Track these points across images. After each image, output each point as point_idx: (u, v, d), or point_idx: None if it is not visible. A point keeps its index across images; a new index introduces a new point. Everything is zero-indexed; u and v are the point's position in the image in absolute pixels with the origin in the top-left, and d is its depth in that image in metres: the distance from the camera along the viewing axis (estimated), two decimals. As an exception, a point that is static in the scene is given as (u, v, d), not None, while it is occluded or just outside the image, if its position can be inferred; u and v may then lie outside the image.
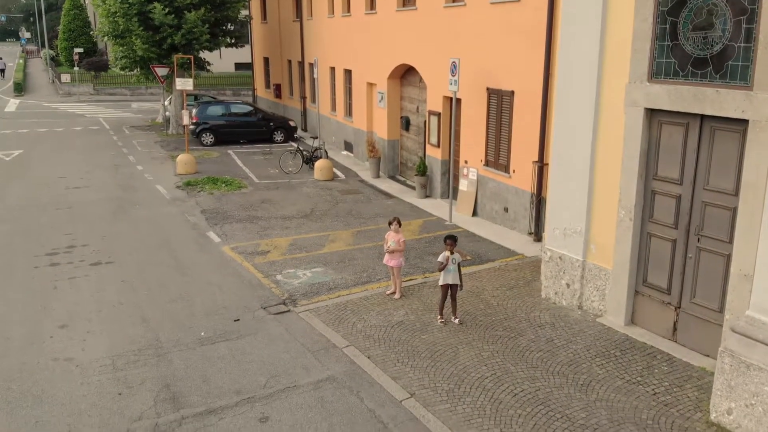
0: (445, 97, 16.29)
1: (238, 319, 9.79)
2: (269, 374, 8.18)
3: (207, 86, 44.87)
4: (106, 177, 19.88)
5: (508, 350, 8.60)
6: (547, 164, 12.59)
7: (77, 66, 45.08)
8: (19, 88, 47.14)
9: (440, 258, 9.31)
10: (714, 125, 7.77)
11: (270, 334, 9.29)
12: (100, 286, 11.17)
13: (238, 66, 53.75)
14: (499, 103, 14.13)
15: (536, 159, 12.95)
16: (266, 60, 34.25)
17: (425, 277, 11.40)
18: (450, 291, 9.43)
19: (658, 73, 8.27)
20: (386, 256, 10.45)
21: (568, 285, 9.75)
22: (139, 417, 7.32)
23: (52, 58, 64.22)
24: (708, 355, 8.16)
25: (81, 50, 46.93)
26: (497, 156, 14.46)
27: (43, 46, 73.76)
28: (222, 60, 52.99)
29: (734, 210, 7.59)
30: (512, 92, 13.64)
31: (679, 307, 8.49)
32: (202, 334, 9.34)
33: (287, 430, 7.01)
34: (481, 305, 10.03)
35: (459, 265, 9.40)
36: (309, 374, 8.17)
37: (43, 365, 8.45)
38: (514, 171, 13.90)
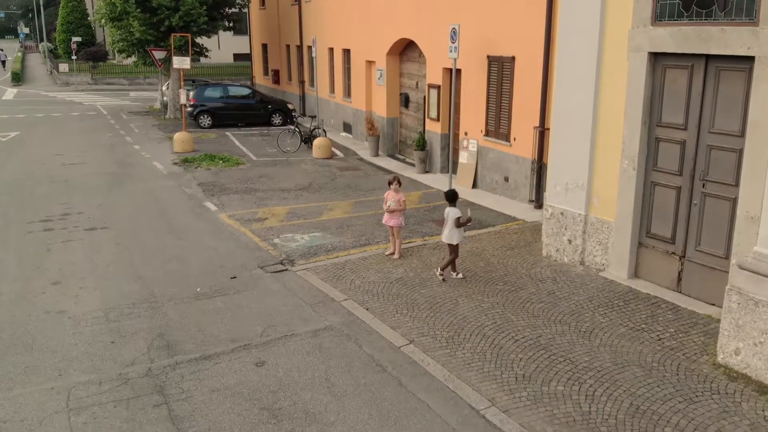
0: (445, 69, 16.11)
1: (235, 277, 9.62)
2: (266, 324, 8.01)
3: (206, 76, 44.64)
4: (102, 155, 19.71)
5: (508, 302, 8.43)
6: (549, 129, 12.43)
7: (75, 56, 44.82)
8: (18, 78, 46.95)
9: (445, 213, 9.24)
10: (719, 65, 7.60)
11: (267, 290, 9.12)
12: (94, 248, 11.00)
13: (237, 57, 53.52)
14: (500, 70, 13.96)
15: (537, 124, 12.77)
16: (264, 46, 34.07)
17: (425, 240, 11.23)
18: (451, 248, 9.30)
19: (662, 15, 8.10)
20: (386, 216, 10.28)
21: (569, 241, 9.58)
22: (132, 362, 7.15)
23: (51, 51, 63.98)
24: (713, 304, 7.99)
25: (79, 39, 46.67)
26: (498, 125, 14.29)
27: (41, 40, 73.53)
28: (221, 50, 52.85)
29: (740, 152, 7.42)
30: (513, 58, 13.46)
31: (684, 257, 8.32)
32: (198, 289, 9.17)
33: (284, 374, 6.84)
34: (481, 263, 9.86)
35: (457, 221, 9.24)
36: (307, 324, 8.00)
37: (35, 317, 8.28)
38: (514, 139, 13.73)
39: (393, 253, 10.36)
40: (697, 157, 7.98)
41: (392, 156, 19.97)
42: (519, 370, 6.77)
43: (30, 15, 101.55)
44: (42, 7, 72.30)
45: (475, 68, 14.75)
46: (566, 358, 7.01)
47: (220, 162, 18.26)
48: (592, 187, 9.19)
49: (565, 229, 9.61)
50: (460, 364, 6.91)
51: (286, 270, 9.88)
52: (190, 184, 15.69)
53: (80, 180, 16.16)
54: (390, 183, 10.30)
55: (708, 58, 7.70)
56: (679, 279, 8.42)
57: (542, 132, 12.67)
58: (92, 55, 49.18)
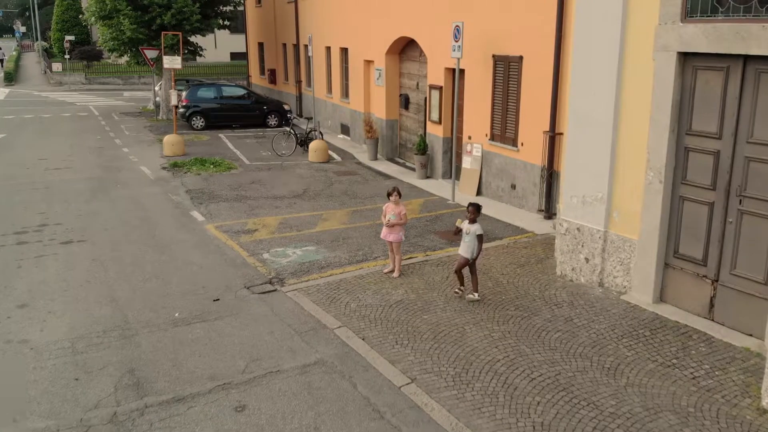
0: (447, 69, 15.23)
1: (218, 299, 8.74)
2: (249, 358, 7.14)
3: (202, 75, 43.75)
4: (89, 158, 18.83)
5: (521, 331, 7.56)
6: (560, 134, 11.58)
7: (67, 54, 43.89)
8: (10, 78, 46.03)
9: (457, 222, 8.54)
10: (760, 67, 6.73)
11: (253, 315, 8.24)
12: (68, 264, 10.12)
13: (234, 56, 52.60)
14: (506, 70, 13.08)
15: (547, 129, 11.89)
16: (261, 45, 33.17)
17: (426, 255, 10.35)
18: (465, 263, 8.50)
19: (693, 11, 7.22)
20: (384, 230, 9.41)
21: (587, 259, 8.71)
22: (96, 405, 6.28)
23: (46, 50, 63.05)
24: (751, 335, 7.13)
25: (72, 38, 45.77)
26: (504, 129, 13.41)
27: (37, 39, 72.55)
28: (217, 49, 52.04)
29: (785, 165, 6.55)
30: (520, 57, 12.58)
31: (717, 281, 7.45)
32: (176, 314, 8.30)
33: (266, 421, 5.97)
34: (490, 283, 8.99)
35: (480, 238, 8.37)
36: (295, 357, 7.13)
37: (-8, 348, 7.41)
38: (522, 144, 12.85)
39: (392, 271, 9.49)
40: (733, 169, 7.11)
41: (391, 160, 19.10)
42: (537, 417, 5.90)
43: (27, 14, 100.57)
44: (36, 6, 71.27)
45: (480, 68, 13.87)
46: (590, 401, 6.13)
47: (211, 167, 17.38)
48: (612, 200, 8.32)
49: (582, 246, 8.73)
50: (469, 409, 6.04)
51: (274, 291, 9.01)
52: (177, 191, 14.81)
53: (62, 186, 15.29)
54: (389, 194, 9.42)
55: (746, 59, 6.83)
56: (712, 305, 7.55)
57: (553, 137, 11.79)
58: (86, 54, 48.26)
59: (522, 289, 8.78)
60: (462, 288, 8.59)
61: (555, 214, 12.02)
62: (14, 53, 70.15)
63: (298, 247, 10.82)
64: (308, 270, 9.77)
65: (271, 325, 7.91)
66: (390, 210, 9.34)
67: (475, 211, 8.44)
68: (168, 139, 19.27)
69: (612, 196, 8.30)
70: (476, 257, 8.42)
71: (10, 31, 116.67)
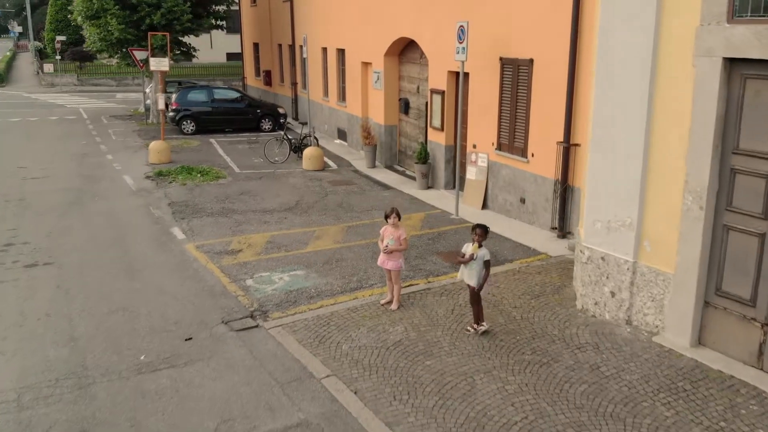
0: (450, 73, 14.16)
1: (191, 338, 7.67)
2: (220, 417, 6.06)
3: (197, 76, 42.72)
4: (70, 166, 17.75)
5: (540, 382, 6.48)
6: (576, 144, 10.51)
7: (58, 54, 42.81)
8: (1, 79, 44.98)
9: (463, 249, 7.47)
10: (828, 76, 5.66)
11: (228, 359, 7.16)
12: (29, 293, 9.06)
13: (231, 56, 51.54)
14: (515, 74, 11.99)
15: (561, 139, 10.81)
16: (256, 46, 32.10)
17: (428, 282, 9.28)
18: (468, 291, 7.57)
19: (742, 9, 6.15)
20: (382, 257, 8.33)
21: (612, 293, 7.62)
22: (31, 484, 5.21)
23: (39, 51, 61.98)
24: (812, 390, 6.06)
25: (63, 38, 44.69)
26: (512, 138, 12.32)
27: (33, 39, 71.48)
28: (213, 50, 51.01)
29: None
30: (531, 60, 11.49)
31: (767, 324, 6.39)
32: (142, 357, 7.22)
33: (235, 508, 4.90)
34: (501, 319, 7.91)
35: (487, 264, 7.41)
36: (274, 418, 6.05)
37: None
38: (532, 155, 11.77)
39: (390, 302, 8.42)
40: (792, 195, 6.04)
41: (390, 167, 18.02)
42: (565, 505, 4.83)
43: (24, 13, 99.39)
44: (30, 6, 70.18)
45: (486, 72, 12.79)
46: (628, 482, 5.07)
47: (198, 176, 16.30)
48: (643, 227, 7.24)
49: (607, 278, 7.65)
50: (482, 492, 4.97)
51: (256, 327, 7.93)
52: (159, 204, 13.73)
53: (37, 199, 14.21)
54: (387, 216, 8.32)
55: (810, 65, 5.76)
56: (761, 353, 6.48)
57: (567, 148, 10.71)
58: (79, 54, 47.20)
59: (539, 326, 7.70)
60: (475, 326, 7.52)
61: (570, 233, 10.95)
62: (8, 54, 69.11)
63: (286, 272, 9.74)
64: (295, 300, 8.69)
65: (249, 374, 6.83)
66: (388, 234, 8.26)
67: (482, 234, 7.39)
68: (154, 145, 18.18)
69: (642, 223, 7.22)
70: (482, 285, 7.40)
71: (7, 31, 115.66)
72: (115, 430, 5.91)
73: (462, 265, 7.50)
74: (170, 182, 15.76)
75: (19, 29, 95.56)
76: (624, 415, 5.91)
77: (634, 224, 7.25)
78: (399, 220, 8.31)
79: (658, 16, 6.78)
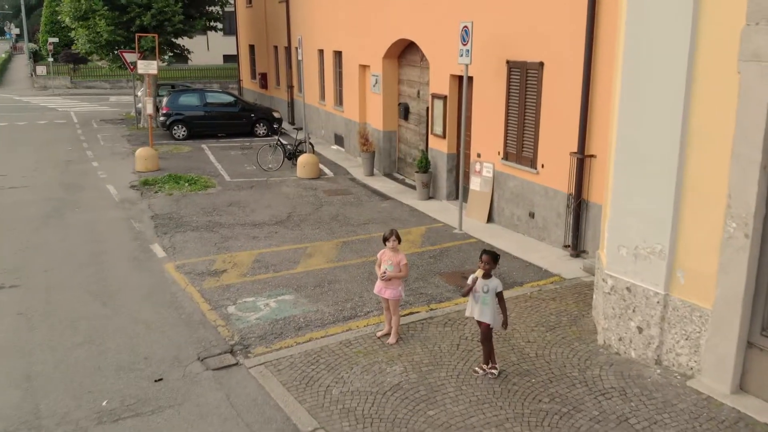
0: (453, 77, 13.28)
1: (161, 379, 6.76)
2: (187, 484, 5.17)
3: (192, 79, 41.82)
4: (52, 175, 16.87)
5: (561, 438, 5.59)
6: (592, 155, 9.63)
7: (51, 56, 41.92)
8: (-7, 82, 44.14)
9: (469, 280, 6.47)
10: None
11: (202, 406, 6.26)
12: (-13, 321, 8.17)
13: (227, 58, 50.64)
14: (523, 79, 11.10)
15: (575, 149, 9.92)
16: (252, 48, 31.23)
17: (431, 310, 8.39)
18: (479, 329, 6.58)
19: (799, 6, 5.26)
20: (379, 284, 7.43)
21: (640, 329, 6.73)
22: None
23: (34, 53, 61.13)
24: None
25: (55, 39, 43.78)
26: (520, 147, 11.43)
27: (28, 40, 70.60)
28: (210, 52, 50.21)
29: None
30: (541, 64, 10.60)
31: (828, 373, 5.49)
32: (104, 404, 6.33)
33: None
34: (513, 357, 7.00)
35: (500, 296, 6.48)
36: (250, 484, 5.16)
37: None
38: (542, 166, 10.88)
39: (388, 335, 7.53)
40: None
41: (389, 175, 17.13)
42: None
43: (22, 15, 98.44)
44: (24, 8, 69.34)
45: (491, 76, 11.90)
46: None
47: (186, 185, 15.40)
48: (676, 255, 6.34)
49: (633, 311, 6.75)
50: None
51: (236, 365, 7.03)
52: (141, 217, 12.84)
53: (14, 210, 13.33)
54: (386, 239, 7.39)
55: None
56: (818, 403, 5.59)
57: (582, 160, 9.82)
58: (72, 57, 46.31)
59: (556, 366, 6.79)
60: (484, 367, 6.61)
61: (584, 252, 10.06)
62: (3, 56, 68.23)
63: (273, 297, 8.85)
64: (281, 332, 7.79)
65: (224, 426, 5.92)
66: (386, 258, 7.36)
67: (490, 261, 6.48)
68: (140, 152, 17.28)
69: (676, 251, 6.32)
70: (504, 322, 6.52)
71: (3, 33, 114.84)
72: (63, 499, 5.02)
73: (471, 298, 6.57)
74: (156, 192, 14.86)
75: (16, 31, 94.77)
76: (662, 484, 5.02)
77: (666, 252, 6.36)
78: (399, 243, 7.41)
79: (695, 15, 5.89)
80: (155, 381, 6.72)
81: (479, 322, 6.58)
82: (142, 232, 11.84)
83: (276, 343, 7.49)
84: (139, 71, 18.68)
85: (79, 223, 12.44)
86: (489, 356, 6.61)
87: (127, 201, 14.14)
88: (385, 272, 7.28)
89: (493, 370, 6.57)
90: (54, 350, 7.40)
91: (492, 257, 6.49)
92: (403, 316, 7.97)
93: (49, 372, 6.92)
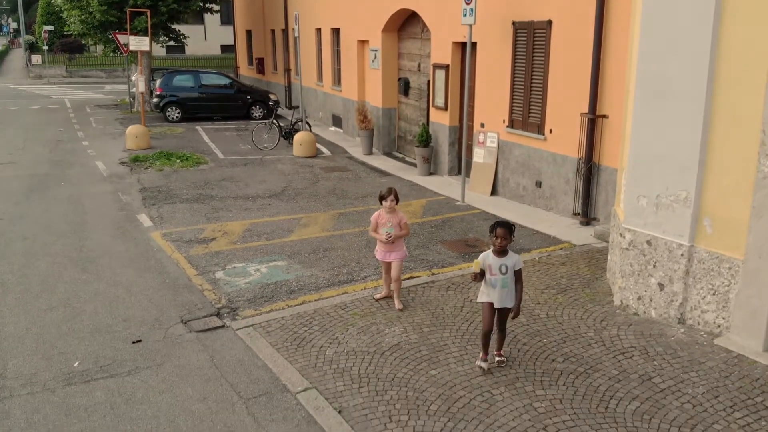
0: (455, 44, 12.72)
1: (139, 341, 6.21)
2: (161, 445, 4.62)
3: (190, 68, 41.17)
4: (40, 152, 16.30)
5: (579, 398, 5.03)
6: (604, 116, 9.08)
7: (46, 45, 41.34)
8: (-12, 71, 43.57)
9: (480, 257, 5.39)
10: None
11: (183, 367, 5.71)
12: (-43, 286, 7.62)
13: (225, 48, 49.99)
14: (530, 40, 10.54)
15: (586, 110, 9.37)
16: (248, 33, 30.65)
17: (432, 274, 7.84)
18: (498, 315, 5.47)
19: None
20: (381, 249, 6.83)
21: (661, 286, 6.17)
22: None
23: (31, 44, 60.52)
24: None
25: (51, 27, 43.21)
26: (527, 113, 10.88)
27: (25, 33, 70.01)
28: (207, 41, 49.63)
29: None
30: (549, 22, 10.05)
31: None
32: (76, 364, 5.78)
33: None
34: (523, 319, 6.43)
35: (518, 275, 5.40)
36: (232, 445, 4.61)
37: None
38: (550, 131, 10.33)
39: (385, 297, 6.98)
40: None
41: (389, 154, 16.57)
42: None
43: (18, 12, 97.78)
44: (21, 1, 68.60)
45: (496, 39, 11.34)
46: None
47: (177, 161, 14.85)
48: (702, 202, 5.79)
49: (654, 266, 6.20)
50: None
51: (221, 327, 6.48)
52: (129, 190, 12.28)
53: (-4, 184, 12.79)
54: (383, 198, 6.76)
55: None
56: None
57: (593, 120, 9.27)
58: (68, 46, 45.73)
59: (569, 327, 6.24)
60: (486, 358, 5.51)
61: (595, 219, 9.51)
62: (0, 48, 67.67)
63: (264, 263, 8.30)
64: (272, 295, 7.25)
65: (206, 386, 5.37)
66: (385, 220, 6.77)
67: (507, 235, 5.31)
68: (131, 130, 16.72)
69: (702, 197, 5.77)
70: (518, 307, 5.43)
71: (1, 28, 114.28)
72: (21, 462, 4.47)
73: (483, 284, 5.43)
74: (146, 168, 14.31)
75: (14, 26, 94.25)
76: (694, 444, 4.47)
77: (691, 199, 5.81)
78: (396, 202, 6.82)
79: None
80: (133, 342, 6.17)
81: (499, 309, 5.43)
82: (129, 204, 11.29)
83: (266, 306, 6.94)
84: (131, 48, 18.13)
85: (64, 196, 11.88)
86: (487, 348, 5.51)
87: (115, 176, 13.58)
88: (389, 235, 6.67)
89: (483, 361, 5.53)
90: (27, 313, 6.86)
91: (507, 229, 5.31)
92: (403, 280, 7.40)
93: (19, 333, 6.38)
